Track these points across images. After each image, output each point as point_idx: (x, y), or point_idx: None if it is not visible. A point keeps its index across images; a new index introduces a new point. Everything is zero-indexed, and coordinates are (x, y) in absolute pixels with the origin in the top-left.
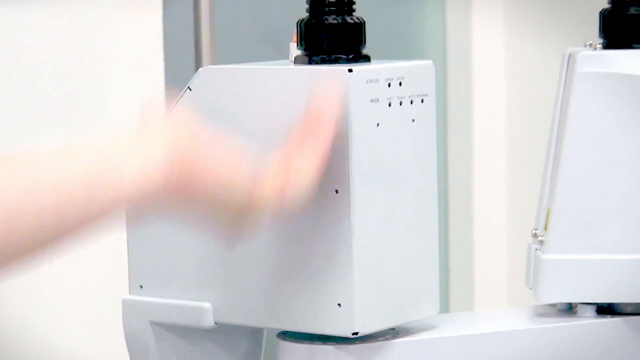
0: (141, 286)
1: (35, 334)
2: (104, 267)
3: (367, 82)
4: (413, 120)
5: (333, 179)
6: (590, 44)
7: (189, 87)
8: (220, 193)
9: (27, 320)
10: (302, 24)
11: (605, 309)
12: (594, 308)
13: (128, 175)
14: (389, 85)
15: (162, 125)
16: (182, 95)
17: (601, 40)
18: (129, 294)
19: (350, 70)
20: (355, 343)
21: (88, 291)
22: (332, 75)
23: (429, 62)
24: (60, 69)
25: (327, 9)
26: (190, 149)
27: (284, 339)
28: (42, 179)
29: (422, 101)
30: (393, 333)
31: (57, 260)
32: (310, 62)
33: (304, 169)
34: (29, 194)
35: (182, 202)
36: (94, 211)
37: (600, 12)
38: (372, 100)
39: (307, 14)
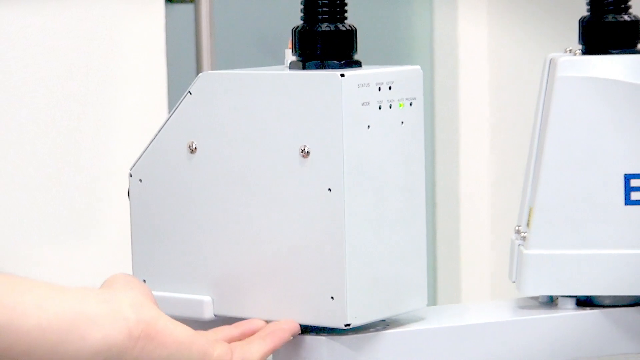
0: (145, 280)
1: None
2: (109, 262)
3: (359, 87)
4: (402, 122)
5: (326, 178)
6: (570, 50)
7: (189, 92)
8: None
9: None
10: (297, 31)
11: (584, 302)
12: (573, 300)
13: (93, 333)
14: (379, 89)
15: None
16: (183, 99)
17: (580, 46)
18: None
19: (342, 75)
20: (347, 334)
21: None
22: (325, 80)
23: (417, 67)
24: (68, 74)
25: (320, 17)
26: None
27: None
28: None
29: (410, 104)
30: (383, 325)
31: (66, 256)
32: (304, 68)
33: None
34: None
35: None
36: (55, 358)
37: (580, 20)
38: (363, 104)
39: (302, 22)
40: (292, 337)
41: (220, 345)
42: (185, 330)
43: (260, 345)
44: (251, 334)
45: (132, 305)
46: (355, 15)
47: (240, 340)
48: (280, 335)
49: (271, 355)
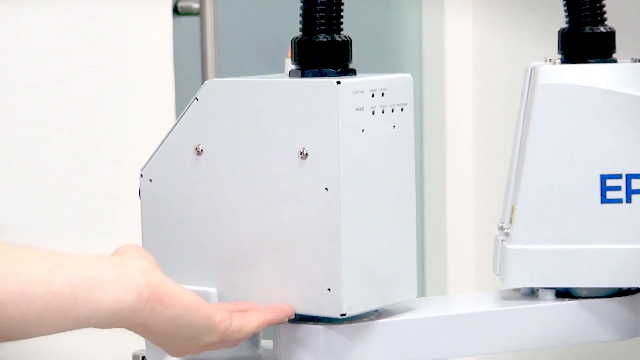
0: None
1: None
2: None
3: (353, 93)
4: (394, 126)
5: (323, 178)
6: (550, 59)
7: (196, 98)
8: (183, 319)
9: None
10: (296, 41)
11: (563, 293)
12: (553, 292)
13: (104, 296)
14: (373, 96)
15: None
16: (190, 105)
17: (560, 56)
18: None
19: (338, 83)
20: (342, 323)
21: None
22: (322, 87)
23: (408, 75)
24: (81, 79)
25: (318, 29)
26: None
27: None
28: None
29: (401, 110)
30: (376, 314)
31: (79, 251)
32: (303, 76)
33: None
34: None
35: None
36: (67, 324)
37: (559, 31)
38: (357, 109)
39: (300, 33)
40: (286, 319)
41: (222, 312)
42: (191, 295)
43: (258, 316)
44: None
45: (141, 270)
46: (348, 22)
47: None
48: (277, 313)
49: (271, 344)
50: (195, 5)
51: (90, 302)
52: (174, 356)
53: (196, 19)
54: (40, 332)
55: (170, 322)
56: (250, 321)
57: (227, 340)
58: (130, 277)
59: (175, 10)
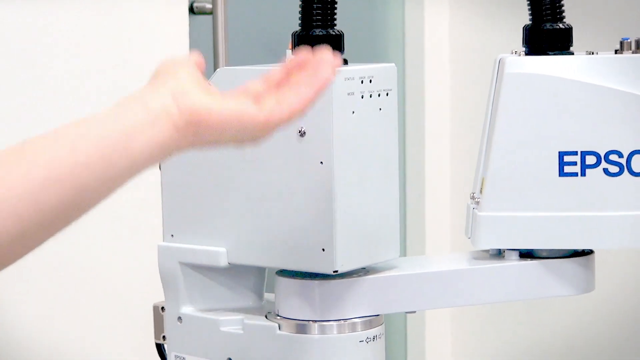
0: (172, 235)
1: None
2: (144, 219)
3: (345, 80)
4: (380, 109)
5: (319, 153)
6: (516, 52)
7: (209, 83)
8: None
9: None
10: (296, 35)
11: (526, 254)
12: (517, 253)
13: (137, 143)
14: (362, 82)
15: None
16: None
17: (524, 49)
18: (163, 241)
19: None
20: (335, 279)
21: (129, 240)
22: None
23: (393, 64)
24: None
25: (314, 24)
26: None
27: (280, 275)
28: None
29: (387, 94)
30: (364, 271)
31: (102, 215)
32: None
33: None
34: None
35: (198, 143)
36: (110, 184)
37: (524, 27)
38: (348, 94)
39: (299, 28)
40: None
41: (264, 111)
42: (229, 106)
43: (296, 99)
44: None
45: (174, 95)
46: (340, 17)
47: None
48: (318, 86)
49: (273, 297)
50: (209, 6)
51: (125, 155)
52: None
53: (209, 17)
54: (88, 203)
55: (217, 137)
56: (291, 102)
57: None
58: (162, 110)
59: (191, 10)
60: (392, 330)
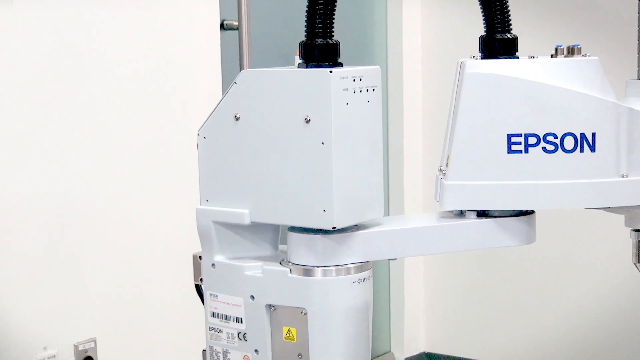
0: (207, 200)
1: (141, 233)
2: (184, 189)
3: (341, 79)
4: (368, 101)
5: (321, 135)
6: (474, 56)
7: (235, 82)
8: None
9: (135, 221)
10: (302, 44)
11: (482, 214)
12: (475, 213)
13: None
14: (354, 80)
15: None
16: (230, 87)
17: (480, 54)
18: (200, 205)
19: (330, 72)
20: (333, 233)
21: (175, 204)
22: (320, 75)
23: (378, 67)
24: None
25: (316, 35)
26: None
27: (291, 231)
28: None
29: (373, 90)
30: (356, 227)
31: (155, 187)
32: (307, 67)
33: None
34: None
35: None
36: None
37: (480, 37)
38: (344, 89)
39: (305, 38)
40: None
41: None
42: None
43: None
44: None
45: None
46: (336, 27)
47: None
48: None
49: (285, 247)
50: (235, 23)
51: None
52: None
53: (236, 32)
54: None
55: None
56: None
57: None
58: None
59: (222, 27)
60: (378, 274)
